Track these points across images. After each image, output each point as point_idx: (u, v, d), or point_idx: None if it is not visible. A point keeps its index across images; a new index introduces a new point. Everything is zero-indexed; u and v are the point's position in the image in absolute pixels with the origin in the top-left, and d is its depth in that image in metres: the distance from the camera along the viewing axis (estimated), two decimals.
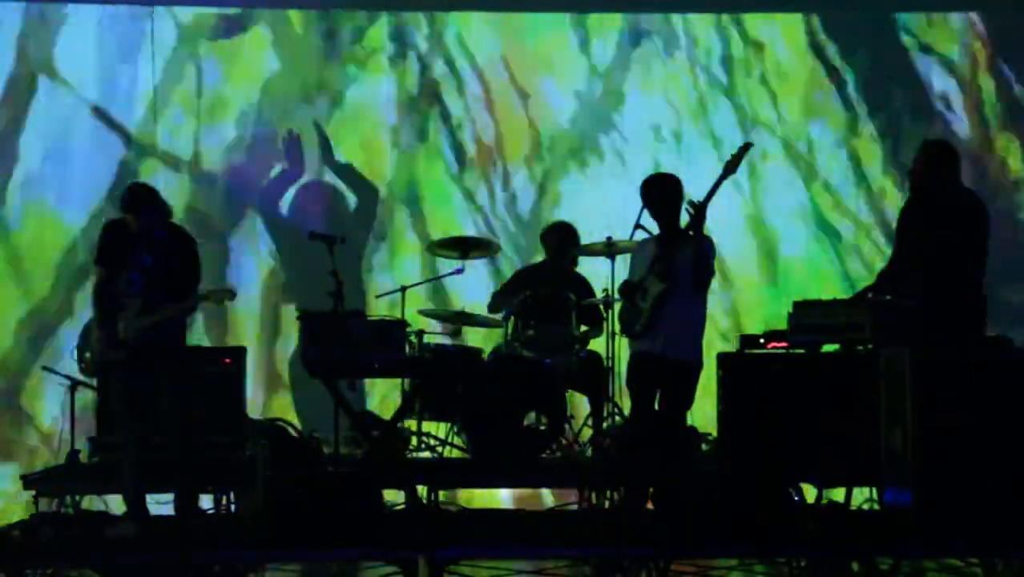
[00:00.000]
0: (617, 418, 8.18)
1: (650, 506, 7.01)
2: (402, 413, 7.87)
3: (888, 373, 6.47)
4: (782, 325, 7.08)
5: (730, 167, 7.03)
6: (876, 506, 6.81)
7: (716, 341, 8.84)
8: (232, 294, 7.12)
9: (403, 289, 8.53)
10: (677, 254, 6.91)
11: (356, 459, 7.74)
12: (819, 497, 6.99)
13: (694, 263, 6.92)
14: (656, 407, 7.04)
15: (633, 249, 7.43)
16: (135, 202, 6.83)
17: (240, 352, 8.00)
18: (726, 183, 7.05)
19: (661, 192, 7.13)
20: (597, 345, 8.41)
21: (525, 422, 7.78)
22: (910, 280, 6.83)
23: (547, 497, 9.04)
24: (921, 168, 6.99)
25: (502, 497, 8.95)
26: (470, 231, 9.60)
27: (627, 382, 7.22)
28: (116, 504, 7.46)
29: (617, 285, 7.55)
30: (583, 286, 8.53)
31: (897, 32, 10.16)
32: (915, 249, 6.91)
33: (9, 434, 9.55)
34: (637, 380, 7.09)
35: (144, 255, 6.80)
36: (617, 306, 7.66)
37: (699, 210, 6.90)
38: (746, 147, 7.15)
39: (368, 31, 10.04)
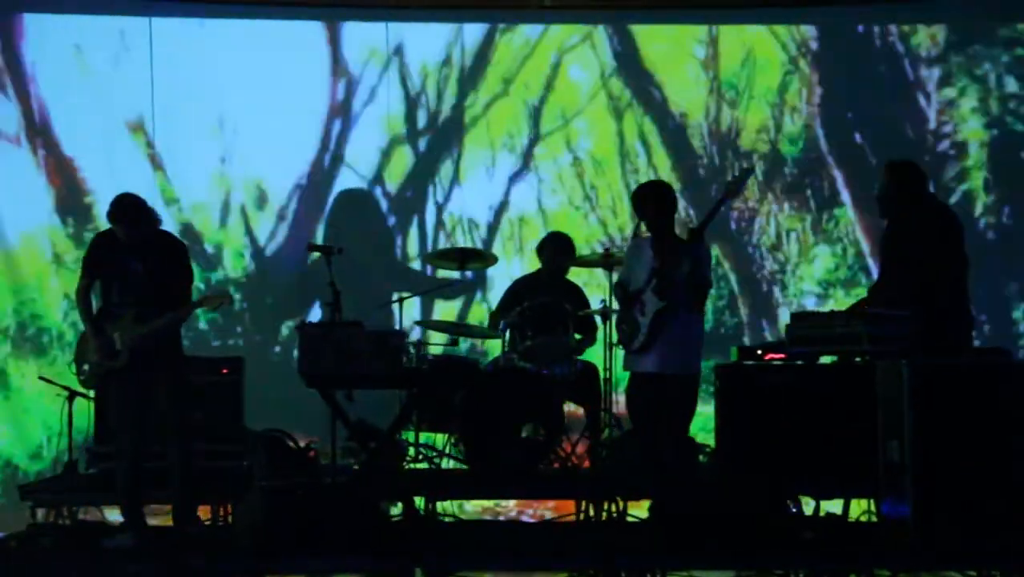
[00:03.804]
0: (614, 429, 8.17)
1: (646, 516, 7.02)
2: (399, 424, 7.86)
3: (886, 385, 6.46)
4: None
5: (731, 191, 7.04)
6: (874, 518, 6.81)
7: None
8: (229, 298, 7.08)
9: (400, 300, 8.53)
10: (676, 270, 6.91)
11: (353, 470, 7.73)
12: (816, 509, 6.99)
13: (692, 276, 6.92)
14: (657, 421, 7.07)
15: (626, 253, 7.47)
16: (122, 213, 6.81)
17: (238, 362, 8.00)
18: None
19: (653, 200, 7.14)
20: (594, 355, 8.41)
21: (522, 433, 7.78)
22: (899, 296, 6.84)
23: (544, 508, 9.01)
24: (889, 190, 7.01)
25: (499, 508, 8.92)
26: None
27: (627, 402, 7.24)
28: (114, 515, 7.44)
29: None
30: (577, 294, 8.53)
31: None
32: (900, 268, 6.93)
33: None
34: (638, 401, 7.13)
35: (134, 263, 6.78)
36: (615, 316, 7.66)
37: (698, 232, 6.92)
38: (748, 172, 7.16)
39: None
